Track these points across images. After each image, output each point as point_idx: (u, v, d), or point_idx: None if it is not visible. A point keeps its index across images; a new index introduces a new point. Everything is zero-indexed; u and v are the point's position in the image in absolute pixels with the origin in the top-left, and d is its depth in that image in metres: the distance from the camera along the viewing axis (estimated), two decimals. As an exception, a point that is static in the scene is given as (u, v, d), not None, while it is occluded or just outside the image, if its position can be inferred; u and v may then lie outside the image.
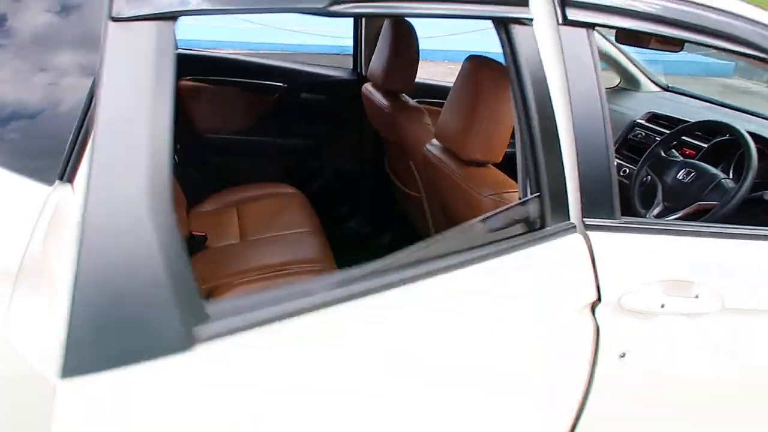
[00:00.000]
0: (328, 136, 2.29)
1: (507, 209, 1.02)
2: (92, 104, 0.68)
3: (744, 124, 1.79)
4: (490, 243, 0.98)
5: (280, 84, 2.28)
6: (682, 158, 1.77)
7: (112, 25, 0.67)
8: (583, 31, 1.03)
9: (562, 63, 1.02)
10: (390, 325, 0.83)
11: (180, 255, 0.62)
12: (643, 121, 2.10)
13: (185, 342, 0.61)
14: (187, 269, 0.63)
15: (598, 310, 1.08)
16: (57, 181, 0.74)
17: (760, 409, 1.31)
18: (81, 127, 0.71)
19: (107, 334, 0.59)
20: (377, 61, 1.87)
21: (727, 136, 1.70)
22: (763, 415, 1.33)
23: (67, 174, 0.72)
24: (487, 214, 1.01)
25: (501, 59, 1.09)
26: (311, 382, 0.71)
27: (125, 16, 0.67)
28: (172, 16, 0.68)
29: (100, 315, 0.59)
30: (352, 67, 2.38)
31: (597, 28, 1.06)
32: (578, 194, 1.03)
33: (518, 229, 1.01)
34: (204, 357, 0.63)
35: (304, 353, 0.71)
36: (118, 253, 0.61)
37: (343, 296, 0.76)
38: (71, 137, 0.72)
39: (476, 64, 1.42)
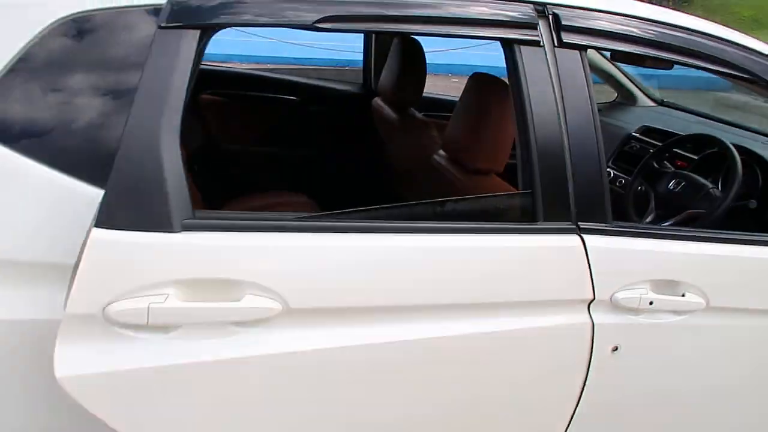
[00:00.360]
0: (338, 147, 2.40)
1: (505, 196, 1.17)
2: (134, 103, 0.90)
3: (734, 138, 1.90)
4: (487, 221, 1.12)
5: (294, 98, 2.40)
6: (673, 169, 1.87)
7: (158, 31, 0.92)
8: (576, 52, 1.15)
9: (558, 81, 1.13)
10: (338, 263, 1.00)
11: (179, 171, 0.90)
12: (637, 135, 2.21)
13: (175, 227, 0.89)
14: (183, 182, 0.90)
15: (592, 306, 1.19)
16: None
17: (745, 399, 1.41)
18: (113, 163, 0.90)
19: (125, 209, 0.87)
20: (387, 77, 1.98)
21: (716, 149, 1.81)
22: (747, 405, 1.43)
23: (102, 209, 0.88)
24: (488, 194, 1.14)
25: (499, 72, 1.20)
26: (255, 276, 0.95)
27: (167, 25, 0.92)
28: (195, 27, 0.94)
29: (122, 196, 0.87)
30: (362, 81, 2.50)
31: (589, 49, 1.18)
32: (573, 199, 1.13)
33: (516, 217, 1.15)
34: (187, 240, 0.90)
35: (257, 256, 0.96)
36: (142, 161, 0.88)
37: (308, 227, 0.99)
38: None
39: (480, 80, 1.54)
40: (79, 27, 0.94)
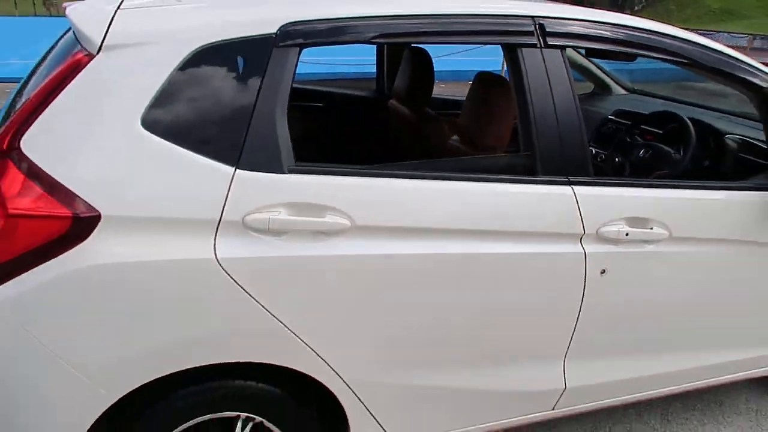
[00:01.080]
0: (362, 141, 2.79)
1: (515, 156, 1.58)
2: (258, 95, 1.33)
3: (691, 114, 2.31)
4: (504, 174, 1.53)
5: (319, 104, 2.79)
6: (642, 141, 2.29)
7: (275, 49, 1.34)
8: (558, 51, 1.55)
9: (546, 73, 1.54)
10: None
11: (287, 137, 1.35)
12: (612, 117, 2.63)
13: (284, 170, 1.34)
14: (289, 144, 1.35)
15: (583, 239, 1.58)
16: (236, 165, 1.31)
17: (700, 305, 1.82)
18: (247, 132, 1.32)
19: (255, 159, 1.32)
20: (402, 82, 2.38)
21: (676, 123, 2.23)
22: (708, 315, 1.83)
23: (241, 159, 1.30)
24: (502, 154, 1.54)
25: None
26: (333, 202, 1.39)
27: (280, 45, 1.35)
28: (296, 45, 1.37)
29: (254, 151, 1.32)
30: (375, 87, 2.91)
31: (568, 48, 1.59)
32: (564, 159, 1.53)
33: (522, 173, 1.54)
34: (291, 178, 1.35)
35: (334, 189, 1.39)
36: (267, 131, 1.35)
37: (370, 173, 1.42)
38: (241, 138, 1.31)
39: (485, 77, 1.94)
40: (210, 54, 1.32)
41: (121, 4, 1.38)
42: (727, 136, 2.14)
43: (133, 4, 1.40)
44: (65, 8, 1.55)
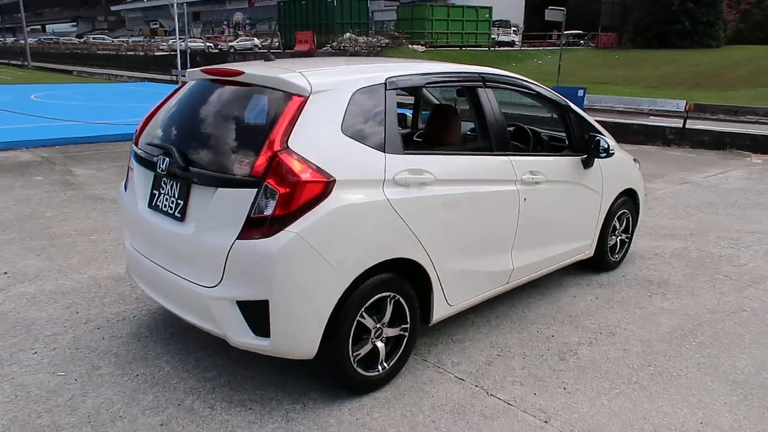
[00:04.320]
0: None
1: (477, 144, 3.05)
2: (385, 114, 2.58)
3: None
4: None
5: None
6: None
7: (387, 91, 2.62)
8: (491, 89, 3.09)
9: (488, 99, 3.05)
10: None
11: (401, 139, 2.63)
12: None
13: (402, 152, 2.61)
14: (401, 139, 2.65)
15: (517, 182, 3.11)
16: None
17: (562, 215, 3.54)
18: (385, 133, 2.54)
19: (392, 149, 2.58)
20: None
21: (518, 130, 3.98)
22: (564, 217, 3.55)
23: (385, 148, 2.53)
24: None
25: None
26: (426, 167, 2.86)
27: (388, 89, 2.61)
28: (394, 89, 2.66)
29: (391, 147, 2.57)
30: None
31: (495, 88, 3.14)
32: (508, 141, 3.06)
33: (488, 150, 3.17)
34: (406, 156, 2.63)
35: (426, 161, 2.81)
36: (394, 135, 2.60)
37: (439, 153, 2.84)
38: (383, 137, 2.52)
39: (442, 107, 3.38)
40: (361, 94, 2.50)
41: (301, 68, 2.48)
42: (542, 133, 3.95)
43: (307, 71, 2.50)
44: (241, 71, 2.53)
